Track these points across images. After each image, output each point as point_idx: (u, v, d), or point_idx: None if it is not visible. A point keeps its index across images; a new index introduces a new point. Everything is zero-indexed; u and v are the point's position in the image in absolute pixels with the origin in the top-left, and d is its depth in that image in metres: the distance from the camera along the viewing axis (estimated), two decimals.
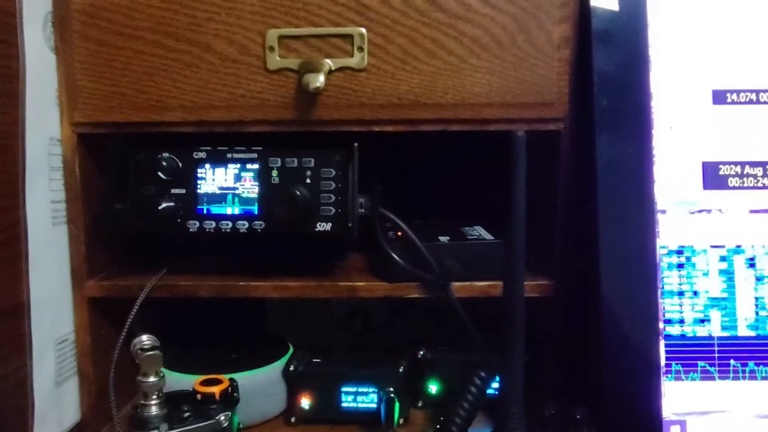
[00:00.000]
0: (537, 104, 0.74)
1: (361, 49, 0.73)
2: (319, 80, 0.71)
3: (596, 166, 0.70)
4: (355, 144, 0.72)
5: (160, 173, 0.72)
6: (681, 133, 0.71)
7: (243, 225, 0.74)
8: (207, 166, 0.75)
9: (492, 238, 0.78)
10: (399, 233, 0.77)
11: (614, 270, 0.69)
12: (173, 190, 0.75)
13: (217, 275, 0.79)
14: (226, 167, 0.75)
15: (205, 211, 0.75)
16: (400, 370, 0.81)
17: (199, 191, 0.75)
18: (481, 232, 0.82)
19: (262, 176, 0.74)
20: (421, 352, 0.85)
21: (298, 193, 0.71)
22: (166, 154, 0.74)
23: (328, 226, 0.73)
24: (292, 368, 0.81)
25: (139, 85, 0.74)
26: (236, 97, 0.74)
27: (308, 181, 0.73)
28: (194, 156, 0.75)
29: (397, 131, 0.75)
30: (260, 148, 0.75)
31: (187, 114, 0.74)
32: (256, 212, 0.74)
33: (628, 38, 0.71)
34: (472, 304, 0.75)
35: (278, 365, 0.83)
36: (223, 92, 0.74)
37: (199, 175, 0.75)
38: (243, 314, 0.98)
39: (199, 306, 0.83)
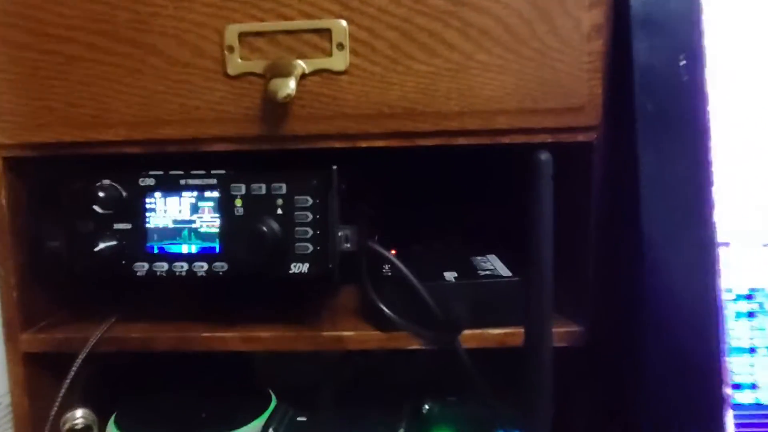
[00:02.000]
0: (563, 110, 0.59)
1: (341, 46, 0.58)
2: (290, 87, 0.57)
3: (639, 187, 0.56)
4: (334, 167, 0.58)
5: (96, 207, 0.59)
6: (747, 144, 0.56)
7: (201, 267, 0.60)
8: (157, 194, 0.61)
9: (509, 274, 0.64)
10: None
11: (663, 320, 0.55)
12: (116, 226, 0.61)
13: (176, 323, 0.66)
14: (180, 196, 0.61)
15: (155, 250, 0.61)
16: None
17: (147, 225, 0.61)
18: (495, 264, 0.68)
19: (224, 206, 0.60)
20: (426, 407, 0.71)
21: (264, 229, 0.57)
22: (106, 182, 0.61)
23: (304, 268, 0.59)
24: (272, 431, 0.68)
25: (71, 98, 0.61)
26: (190, 110, 0.60)
27: (279, 212, 0.59)
28: (140, 183, 0.61)
29: (389, 146, 0.61)
30: (221, 172, 0.61)
31: (131, 131, 0.61)
32: (217, 250, 0.60)
33: (677, 25, 0.56)
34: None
35: (256, 425, 0.69)
36: (173, 104, 0.60)
37: (147, 206, 0.61)
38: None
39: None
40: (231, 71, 0.59)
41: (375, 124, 0.60)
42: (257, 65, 0.59)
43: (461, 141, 0.60)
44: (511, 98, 0.59)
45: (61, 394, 0.63)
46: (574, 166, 0.62)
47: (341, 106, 0.59)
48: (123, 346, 0.64)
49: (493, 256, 0.71)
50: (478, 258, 0.70)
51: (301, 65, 0.59)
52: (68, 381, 0.63)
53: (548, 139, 0.60)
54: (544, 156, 0.43)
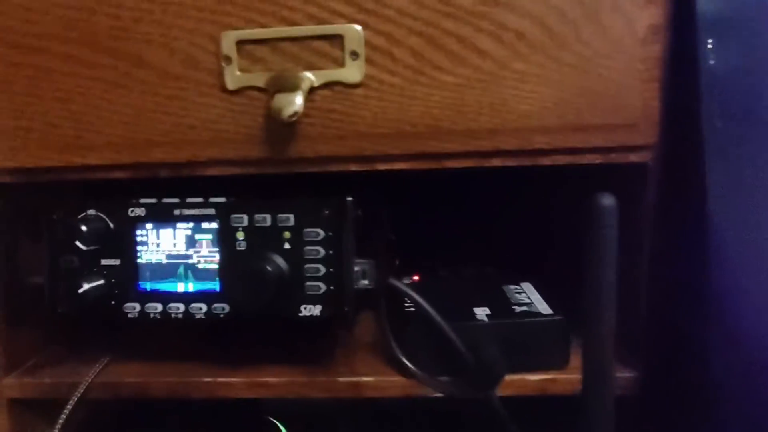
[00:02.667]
0: (613, 126, 0.50)
1: (355, 54, 0.50)
2: (296, 103, 0.49)
3: (708, 219, 0.47)
4: (348, 199, 0.50)
5: (78, 242, 0.51)
6: None
7: (200, 309, 0.53)
8: (148, 226, 0.54)
9: (549, 311, 0.56)
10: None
11: (747, 371, 0.47)
12: (103, 261, 0.54)
13: (174, 364, 0.59)
14: (175, 228, 0.54)
15: (148, 289, 0.54)
16: None
17: (139, 261, 0.54)
18: (531, 295, 0.60)
19: (224, 240, 0.53)
20: None
21: (269, 268, 0.50)
22: (91, 212, 0.54)
23: (316, 311, 0.52)
24: None
25: (49, 117, 0.53)
26: (183, 129, 0.53)
27: (287, 246, 0.52)
28: (130, 213, 0.54)
29: (412, 169, 0.53)
30: (221, 200, 0.53)
31: (117, 154, 0.53)
32: (217, 290, 0.53)
33: (753, 25, 0.48)
34: None
35: None
36: (165, 123, 0.53)
37: (138, 240, 0.54)
38: None
39: None
40: (229, 85, 0.51)
41: (395, 144, 0.52)
42: (259, 78, 0.51)
43: (495, 162, 0.52)
44: (552, 113, 0.50)
45: None
46: (626, 190, 0.53)
47: (356, 123, 0.51)
48: (116, 392, 0.57)
49: (528, 284, 0.63)
50: (511, 287, 0.62)
51: (309, 78, 0.51)
52: (57, 428, 0.56)
53: (596, 159, 0.52)
54: (607, 201, 0.35)
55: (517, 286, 0.63)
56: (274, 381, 0.56)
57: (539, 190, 0.68)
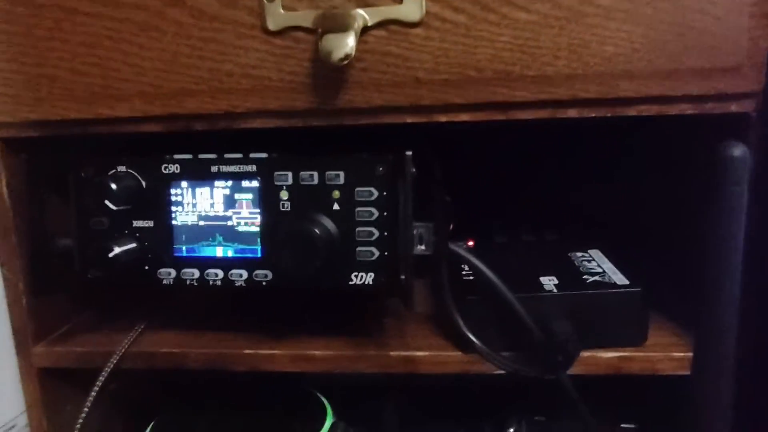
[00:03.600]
0: (712, 70, 0.44)
1: None
2: (348, 45, 0.43)
3: None
4: (408, 153, 0.44)
5: (108, 202, 0.47)
6: None
7: (240, 276, 0.48)
8: (183, 184, 0.49)
9: (625, 282, 0.50)
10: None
11: None
12: (135, 223, 0.49)
13: (213, 334, 0.55)
14: (212, 186, 0.49)
15: (183, 253, 0.49)
16: None
17: (174, 223, 0.49)
18: (601, 264, 0.54)
19: (266, 200, 0.48)
20: (512, 430, 0.59)
21: (317, 231, 0.45)
22: (121, 169, 0.49)
23: (368, 279, 0.47)
24: None
25: (75, 64, 0.48)
26: (221, 76, 0.47)
27: (336, 207, 0.47)
28: (163, 170, 0.49)
29: (476, 121, 0.47)
30: (262, 156, 0.48)
31: (148, 105, 0.48)
32: (258, 254, 0.48)
33: None
34: None
35: None
36: (201, 69, 0.47)
37: (172, 199, 0.49)
38: None
39: None
40: (271, 25, 0.46)
41: (458, 92, 0.46)
42: (305, 17, 0.45)
43: (572, 114, 0.46)
44: (641, 56, 0.44)
45: (83, 415, 0.53)
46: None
47: (414, 69, 0.46)
48: (151, 363, 0.54)
49: (597, 251, 0.57)
50: (578, 254, 0.56)
51: (363, 15, 0.45)
52: (91, 399, 0.53)
53: (689, 110, 0.45)
54: (738, 151, 0.29)
55: (584, 253, 0.57)
56: (320, 354, 0.52)
57: (609, 141, 0.62)
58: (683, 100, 0.45)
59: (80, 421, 0.53)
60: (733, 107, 0.45)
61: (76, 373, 0.55)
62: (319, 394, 0.65)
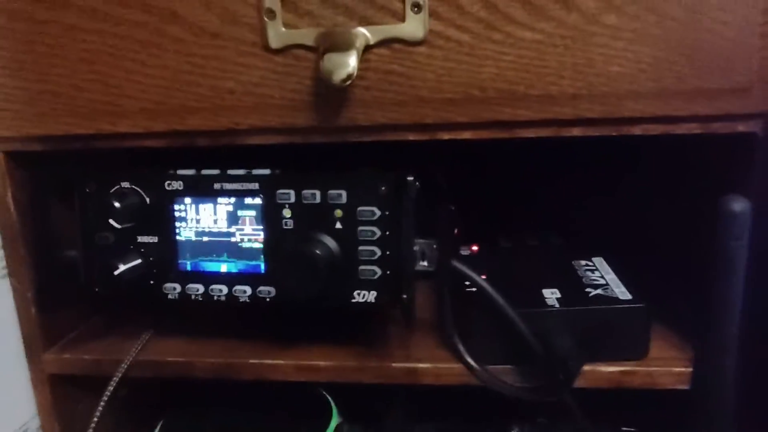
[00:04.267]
0: (720, 91, 0.43)
1: (417, 7, 0.43)
2: (349, 65, 0.43)
3: None
4: (409, 179, 0.44)
5: (112, 220, 0.47)
6: None
7: (244, 292, 0.49)
8: (187, 201, 0.49)
9: (628, 297, 0.50)
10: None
11: None
12: (140, 239, 0.50)
13: (220, 343, 0.56)
14: (216, 203, 0.49)
15: (188, 269, 0.50)
16: None
17: (178, 238, 0.50)
18: (605, 275, 0.54)
19: (269, 217, 0.48)
20: None
21: (318, 252, 0.45)
22: (125, 185, 0.49)
23: (371, 297, 0.47)
24: None
25: (75, 80, 0.48)
26: (222, 94, 0.47)
27: (338, 226, 0.47)
28: (167, 186, 0.49)
29: (479, 139, 0.47)
30: (265, 173, 0.48)
31: (150, 121, 0.48)
32: (262, 270, 0.49)
33: None
34: None
35: None
36: (201, 86, 0.47)
37: (176, 215, 0.49)
38: None
39: None
40: (273, 43, 0.45)
41: (461, 111, 0.45)
42: (306, 35, 0.45)
43: (576, 132, 0.45)
44: (647, 76, 0.43)
45: (94, 421, 0.54)
46: (726, 166, 0.46)
47: (417, 87, 0.45)
48: (159, 371, 0.55)
49: (600, 259, 0.57)
50: (582, 264, 0.56)
51: (365, 34, 0.44)
52: (101, 407, 0.54)
53: (696, 129, 0.44)
54: (739, 206, 0.29)
55: (588, 262, 0.57)
56: (324, 365, 0.52)
57: (613, 152, 0.61)
58: (689, 120, 0.44)
59: (92, 427, 0.54)
60: (740, 127, 0.44)
61: (86, 379, 0.56)
62: (325, 393, 0.66)
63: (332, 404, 0.65)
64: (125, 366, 0.54)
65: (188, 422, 0.63)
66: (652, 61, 0.43)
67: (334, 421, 0.63)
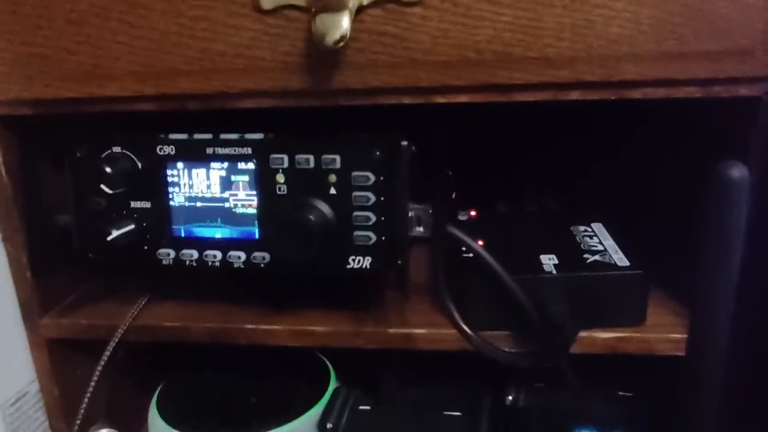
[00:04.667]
0: (722, 53, 0.42)
1: None
2: (342, 26, 0.42)
3: None
4: (404, 143, 0.43)
5: (104, 185, 0.47)
6: None
7: (238, 258, 0.49)
8: (179, 165, 0.49)
9: (626, 262, 0.50)
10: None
11: None
12: (133, 204, 0.49)
13: (215, 308, 0.56)
14: (208, 168, 0.48)
15: (182, 234, 0.49)
16: None
17: (171, 204, 0.49)
18: (603, 240, 0.53)
19: (262, 182, 0.47)
20: (510, 397, 0.60)
21: (312, 218, 0.44)
22: (116, 150, 0.49)
23: (366, 263, 0.47)
24: (330, 426, 0.59)
25: (63, 42, 0.47)
26: (212, 56, 0.46)
27: (333, 191, 0.46)
28: (159, 151, 0.48)
29: (475, 102, 0.46)
30: (258, 137, 0.48)
31: (140, 84, 0.47)
32: (256, 236, 0.48)
33: None
34: None
35: (313, 415, 0.60)
36: (191, 48, 0.46)
37: (169, 180, 0.49)
38: None
39: None
40: (264, 4, 0.44)
41: (457, 73, 0.44)
42: None
43: (574, 96, 0.44)
44: (647, 38, 0.42)
45: (91, 385, 0.55)
46: (728, 132, 0.46)
47: (411, 49, 0.44)
48: (155, 336, 0.55)
49: (599, 225, 0.57)
50: (581, 229, 0.56)
51: None
52: (98, 371, 0.54)
53: (697, 93, 0.43)
54: (737, 173, 0.28)
55: (586, 228, 0.56)
56: (319, 330, 0.52)
57: (615, 115, 0.60)
58: (690, 84, 0.43)
59: (88, 393, 0.55)
60: (743, 91, 0.43)
61: (83, 343, 0.56)
62: (323, 357, 0.66)
63: (330, 368, 0.65)
64: (121, 331, 0.54)
65: (187, 385, 0.64)
66: (652, 22, 0.42)
67: (332, 385, 0.63)
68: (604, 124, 0.61)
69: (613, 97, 0.44)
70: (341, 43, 0.42)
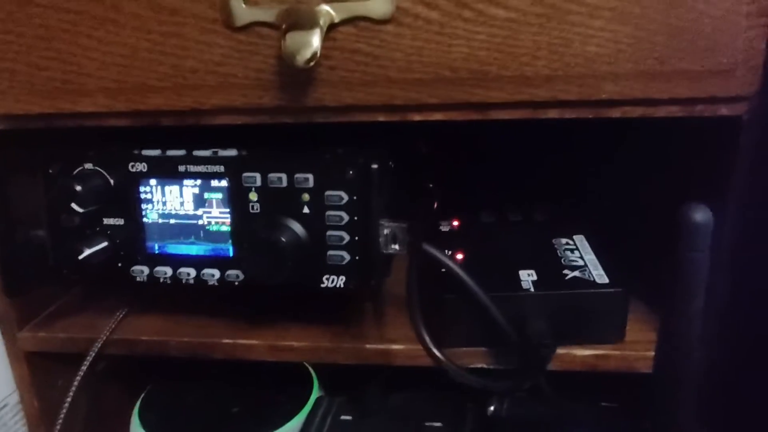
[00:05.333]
0: (703, 73, 0.41)
1: None
2: (312, 45, 0.41)
3: None
4: (374, 167, 0.43)
5: (74, 204, 0.46)
6: None
7: (212, 275, 0.48)
8: (152, 182, 0.48)
9: (605, 279, 0.49)
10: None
11: None
12: (106, 221, 0.49)
13: (194, 322, 0.55)
14: (181, 185, 0.48)
15: (156, 251, 0.49)
16: None
17: (144, 220, 0.49)
18: (585, 255, 0.53)
19: (236, 200, 0.47)
20: (492, 408, 0.60)
21: (284, 239, 0.44)
22: (88, 166, 0.48)
23: (339, 282, 0.46)
24: None
25: (32, 58, 0.46)
26: (184, 73, 0.45)
27: (306, 210, 0.45)
28: (131, 168, 0.48)
29: (451, 120, 0.45)
30: (231, 155, 0.47)
31: (111, 100, 0.46)
32: (230, 254, 0.48)
33: None
34: None
35: (294, 425, 0.60)
36: (163, 65, 0.45)
37: (142, 197, 0.48)
38: None
39: None
40: (235, 21, 0.43)
41: (432, 92, 0.43)
42: (268, 12, 0.43)
43: (552, 114, 0.44)
44: (626, 57, 0.41)
45: (68, 399, 0.55)
46: (711, 150, 0.45)
47: (385, 67, 0.43)
48: (132, 349, 0.54)
49: (581, 237, 0.56)
50: (562, 242, 0.55)
51: (329, 12, 0.42)
52: (75, 384, 0.54)
53: (677, 113, 0.42)
54: (700, 216, 0.27)
55: (568, 240, 0.55)
56: (297, 345, 0.52)
57: (598, 128, 0.59)
58: (670, 103, 0.42)
59: (66, 404, 0.55)
60: (724, 110, 0.42)
61: (61, 356, 0.56)
62: (307, 365, 0.66)
63: (314, 377, 0.65)
64: (99, 345, 0.54)
65: (168, 395, 0.64)
66: (631, 41, 0.40)
67: (315, 394, 0.63)
68: (590, 136, 0.59)
69: (591, 116, 0.43)
70: (312, 62, 0.41)
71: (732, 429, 0.52)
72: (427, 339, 0.46)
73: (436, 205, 0.60)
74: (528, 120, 0.48)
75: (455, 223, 0.60)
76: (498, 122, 0.54)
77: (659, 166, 0.57)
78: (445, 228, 0.60)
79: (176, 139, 0.50)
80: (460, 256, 0.52)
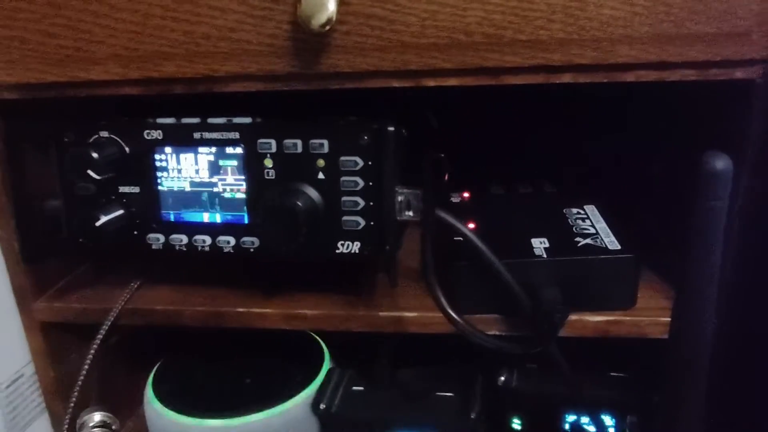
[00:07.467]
0: (718, 35, 0.41)
1: None
2: (328, 9, 0.41)
3: None
4: (390, 129, 0.43)
5: (91, 171, 0.46)
6: None
7: (227, 242, 0.48)
8: (167, 150, 0.48)
9: (617, 245, 0.49)
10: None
11: None
12: (121, 189, 0.49)
13: (208, 291, 0.56)
14: (196, 152, 0.48)
15: (171, 218, 0.49)
16: (472, 417, 0.57)
17: (160, 188, 0.49)
18: (596, 223, 0.53)
19: (251, 167, 0.47)
20: (502, 378, 0.60)
21: (299, 204, 0.44)
22: (104, 134, 0.48)
23: (354, 247, 0.47)
24: (323, 406, 0.59)
25: (44, 25, 0.46)
26: (196, 39, 0.45)
27: (321, 176, 0.46)
28: (146, 135, 0.48)
29: (464, 85, 0.45)
30: (246, 122, 0.47)
31: (124, 68, 0.46)
32: (245, 221, 0.48)
33: None
34: None
35: (307, 395, 0.60)
36: (175, 31, 0.45)
37: (157, 165, 0.48)
38: None
39: None
40: None
41: (446, 56, 0.43)
42: None
43: (566, 79, 0.44)
44: (642, 20, 0.41)
45: (84, 371, 0.55)
46: (723, 115, 0.45)
47: (399, 32, 0.43)
48: (147, 319, 0.55)
49: (592, 207, 0.56)
50: (573, 211, 0.55)
51: None
52: (91, 355, 0.55)
53: (692, 76, 0.42)
54: (721, 164, 0.27)
55: (579, 210, 0.56)
56: (311, 313, 0.52)
57: (610, 95, 0.59)
58: (685, 66, 0.42)
59: (82, 374, 0.55)
60: (739, 74, 0.42)
61: (77, 326, 0.57)
62: (318, 338, 0.66)
63: (325, 349, 0.66)
64: (114, 314, 0.54)
65: (182, 367, 0.64)
66: (647, 4, 0.40)
67: (326, 366, 0.63)
68: (600, 105, 0.59)
69: (605, 80, 0.43)
70: (327, 27, 0.41)
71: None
72: (443, 300, 0.46)
73: (446, 177, 0.60)
74: (537, 91, 0.48)
75: (466, 194, 0.61)
76: (507, 94, 0.54)
77: (670, 134, 0.57)
78: (455, 200, 0.60)
79: (190, 110, 0.50)
80: (471, 226, 0.53)
